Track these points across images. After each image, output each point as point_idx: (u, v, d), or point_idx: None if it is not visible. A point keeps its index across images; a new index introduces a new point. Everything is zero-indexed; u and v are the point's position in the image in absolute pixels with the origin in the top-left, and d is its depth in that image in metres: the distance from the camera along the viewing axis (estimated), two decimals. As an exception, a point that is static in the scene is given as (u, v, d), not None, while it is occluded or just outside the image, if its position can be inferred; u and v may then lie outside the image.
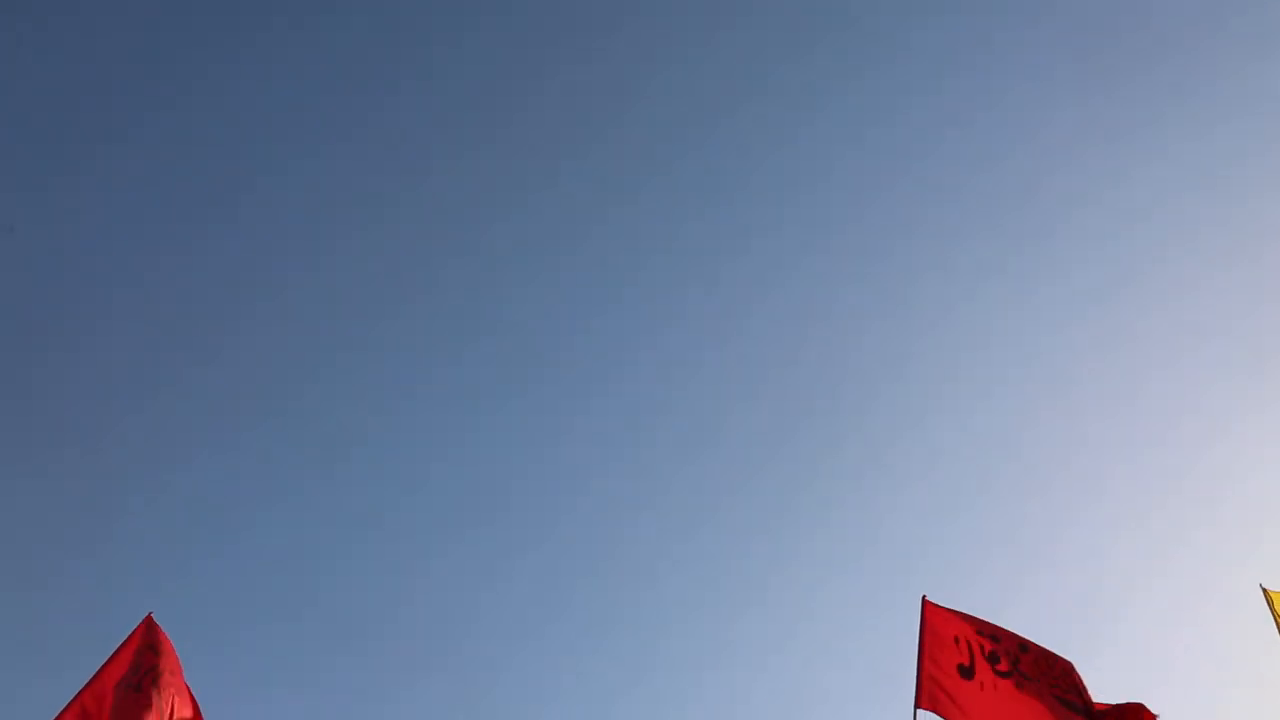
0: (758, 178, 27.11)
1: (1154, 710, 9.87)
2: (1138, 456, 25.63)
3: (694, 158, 27.28)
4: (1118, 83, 25.57)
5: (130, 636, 10.69)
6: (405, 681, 22.47)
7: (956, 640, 10.49)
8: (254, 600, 23.02)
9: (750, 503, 26.18)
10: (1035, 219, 26.31)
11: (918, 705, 10.08)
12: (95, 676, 10.28)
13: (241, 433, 24.11)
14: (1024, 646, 10.38)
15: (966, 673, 10.32)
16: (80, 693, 10.10)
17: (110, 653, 10.52)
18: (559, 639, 24.58)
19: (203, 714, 10.55)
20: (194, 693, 10.65)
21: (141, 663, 10.44)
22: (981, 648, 10.40)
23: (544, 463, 26.13)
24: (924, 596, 10.68)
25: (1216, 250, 25.20)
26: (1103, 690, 10.16)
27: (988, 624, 10.55)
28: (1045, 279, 26.15)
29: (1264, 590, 11.29)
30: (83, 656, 10.61)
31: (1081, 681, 10.18)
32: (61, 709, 9.92)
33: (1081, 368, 25.93)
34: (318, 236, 26.07)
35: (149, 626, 10.78)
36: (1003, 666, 10.29)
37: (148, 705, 10.18)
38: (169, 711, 10.18)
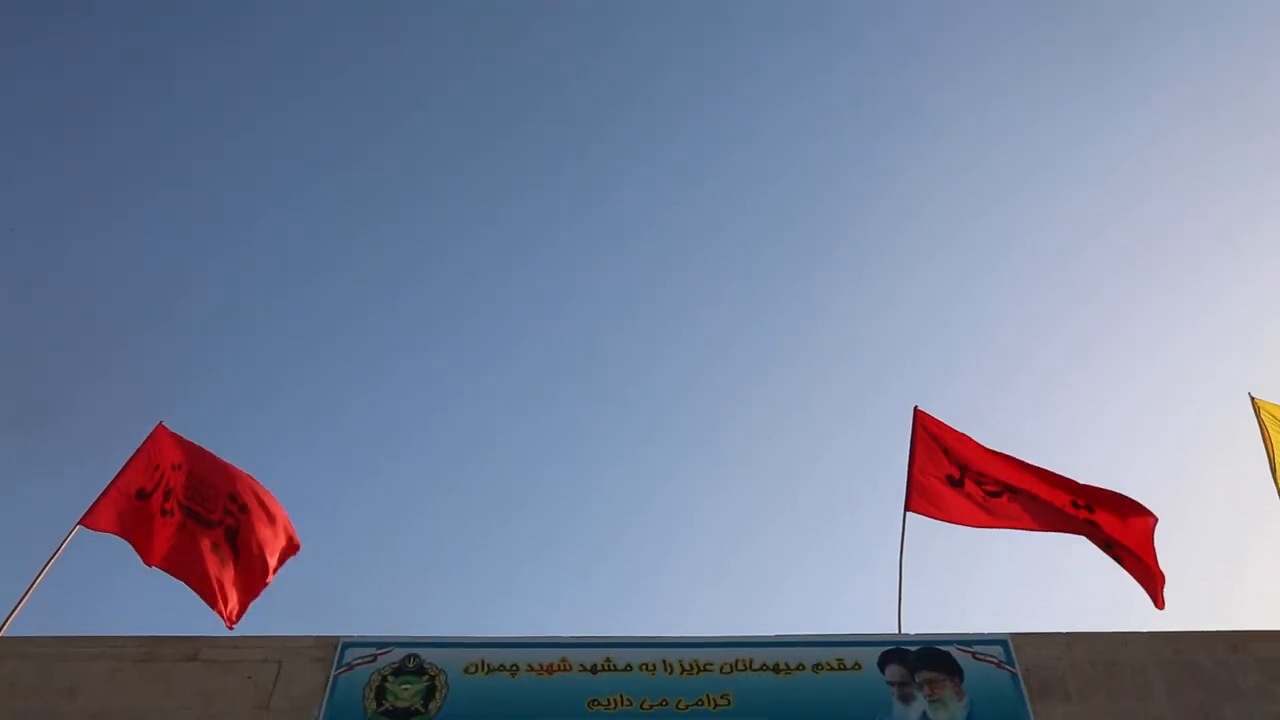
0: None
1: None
2: (1133, 262, 25.64)
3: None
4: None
5: (143, 446, 10.91)
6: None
7: (947, 452, 10.69)
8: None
9: (748, 293, 26.48)
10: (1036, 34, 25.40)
11: (907, 508, 10.35)
12: (113, 482, 10.54)
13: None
14: (1015, 471, 10.53)
15: (955, 483, 10.56)
16: (107, 492, 10.37)
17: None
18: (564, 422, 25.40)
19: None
20: None
21: (169, 481, 10.62)
22: (969, 469, 10.59)
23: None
24: (916, 406, 10.87)
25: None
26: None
27: (979, 448, 10.68)
28: (1051, 91, 25.49)
29: (1252, 399, 11.29)
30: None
31: (1081, 489, 10.38)
32: (86, 511, 10.25)
33: (1080, 172, 25.58)
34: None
35: (163, 436, 10.98)
36: (991, 487, 10.50)
37: (189, 533, 10.47)
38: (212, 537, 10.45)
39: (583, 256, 27.40)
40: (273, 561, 10.54)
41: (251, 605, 10.36)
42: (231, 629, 10.06)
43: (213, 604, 10.16)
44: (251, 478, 10.82)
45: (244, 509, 10.53)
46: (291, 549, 10.77)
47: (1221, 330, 24.54)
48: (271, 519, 10.66)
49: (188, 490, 10.58)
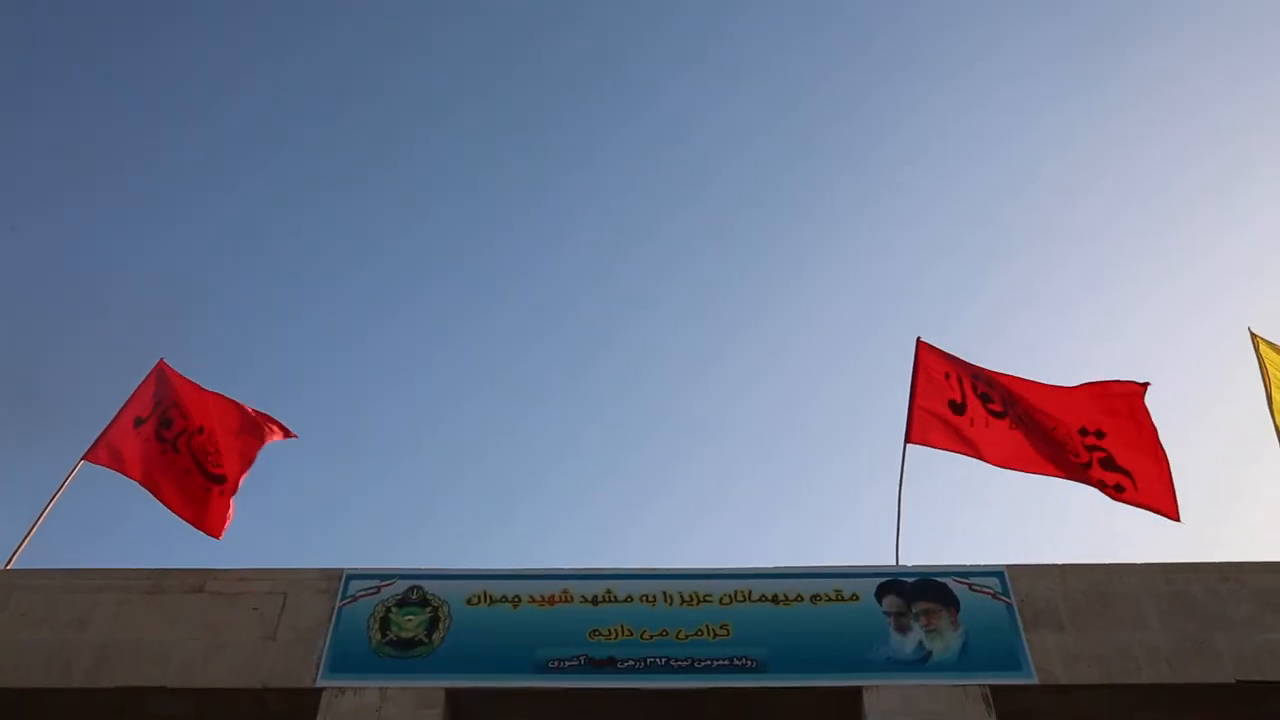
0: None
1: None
2: (1136, 203, 25.48)
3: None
4: None
5: (145, 381, 10.99)
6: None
7: (948, 377, 10.66)
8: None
9: (751, 227, 26.43)
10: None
11: (908, 440, 10.36)
12: (115, 419, 10.63)
13: None
14: (1013, 401, 10.53)
15: (958, 409, 10.52)
16: (105, 432, 10.48)
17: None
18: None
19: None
20: None
21: (168, 416, 10.75)
22: (975, 388, 10.59)
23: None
24: (918, 337, 10.84)
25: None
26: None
27: (983, 369, 10.72)
28: (1055, 20, 25.07)
29: (1252, 334, 11.24)
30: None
31: (1082, 414, 10.38)
32: (88, 448, 10.35)
33: (1082, 118, 25.30)
34: None
35: (164, 373, 11.06)
36: (996, 407, 10.47)
37: (185, 464, 10.59)
38: (205, 466, 10.57)
39: (590, 190, 27.16)
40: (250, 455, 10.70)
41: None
42: (220, 538, 10.25)
43: (197, 523, 10.35)
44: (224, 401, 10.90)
45: (201, 430, 10.66)
46: (277, 435, 10.88)
47: (1224, 267, 24.43)
48: (244, 429, 10.79)
49: (180, 425, 10.73)
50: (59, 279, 22.83)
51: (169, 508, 10.42)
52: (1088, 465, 10.17)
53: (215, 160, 25.25)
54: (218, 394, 10.94)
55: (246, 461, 10.64)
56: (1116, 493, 10.02)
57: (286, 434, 10.99)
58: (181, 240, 24.88)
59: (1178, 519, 9.83)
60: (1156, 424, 10.10)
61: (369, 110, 25.89)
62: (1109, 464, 10.13)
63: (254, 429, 10.76)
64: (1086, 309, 24.93)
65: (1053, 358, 24.42)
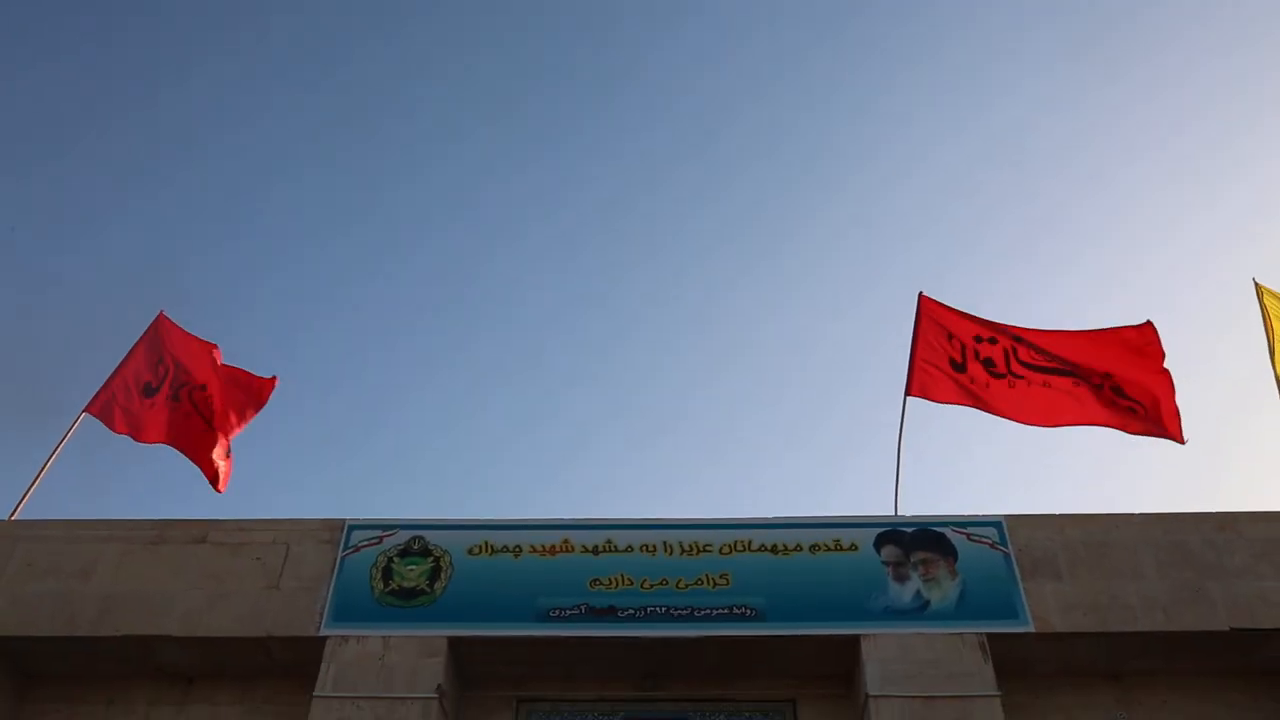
0: None
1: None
2: (1140, 156, 25.24)
3: None
4: None
5: (146, 334, 10.98)
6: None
7: (950, 337, 10.65)
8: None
9: (760, 175, 26.27)
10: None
11: (908, 392, 10.38)
12: (117, 370, 10.64)
13: None
14: (1019, 338, 10.53)
15: (958, 367, 10.55)
16: (109, 383, 10.49)
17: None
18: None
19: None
20: None
21: (176, 377, 10.75)
22: (976, 353, 10.55)
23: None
24: (920, 292, 10.80)
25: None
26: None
27: (985, 323, 10.67)
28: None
29: (1256, 284, 11.20)
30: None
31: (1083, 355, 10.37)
32: (90, 399, 10.37)
33: (1090, 68, 24.99)
34: None
35: (164, 327, 11.04)
36: (997, 369, 10.48)
37: (186, 413, 10.61)
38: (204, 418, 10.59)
39: (595, 145, 26.89)
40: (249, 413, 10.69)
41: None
42: (222, 491, 10.29)
43: (206, 470, 10.39)
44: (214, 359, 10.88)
45: (203, 387, 10.65)
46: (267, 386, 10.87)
47: (1229, 217, 24.23)
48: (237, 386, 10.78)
49: (183, 380, 10.74)
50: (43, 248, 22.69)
51: (198, 465, 10.45)
52: (1099, 388, 10.20)
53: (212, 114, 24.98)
54: (209, 345, 10.88)
55: (244, 421, 10.64)
56: (1129, 416, 10.05)
57: (267, 384, 10.85)
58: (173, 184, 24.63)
59: (1183, 441, 9.90)
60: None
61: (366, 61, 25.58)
62: (1119, 393, 10.20)
63: (252, 392, 10.72)
64: (1089, 260, 24.81)
65: (1056, 309, 24.36)
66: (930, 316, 10.68)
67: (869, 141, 26.64)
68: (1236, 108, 24.43)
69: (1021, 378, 10.40)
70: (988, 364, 10.48)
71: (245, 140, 24.92)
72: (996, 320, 10.67)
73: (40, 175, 23.09)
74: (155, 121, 24.14)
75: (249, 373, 10.80)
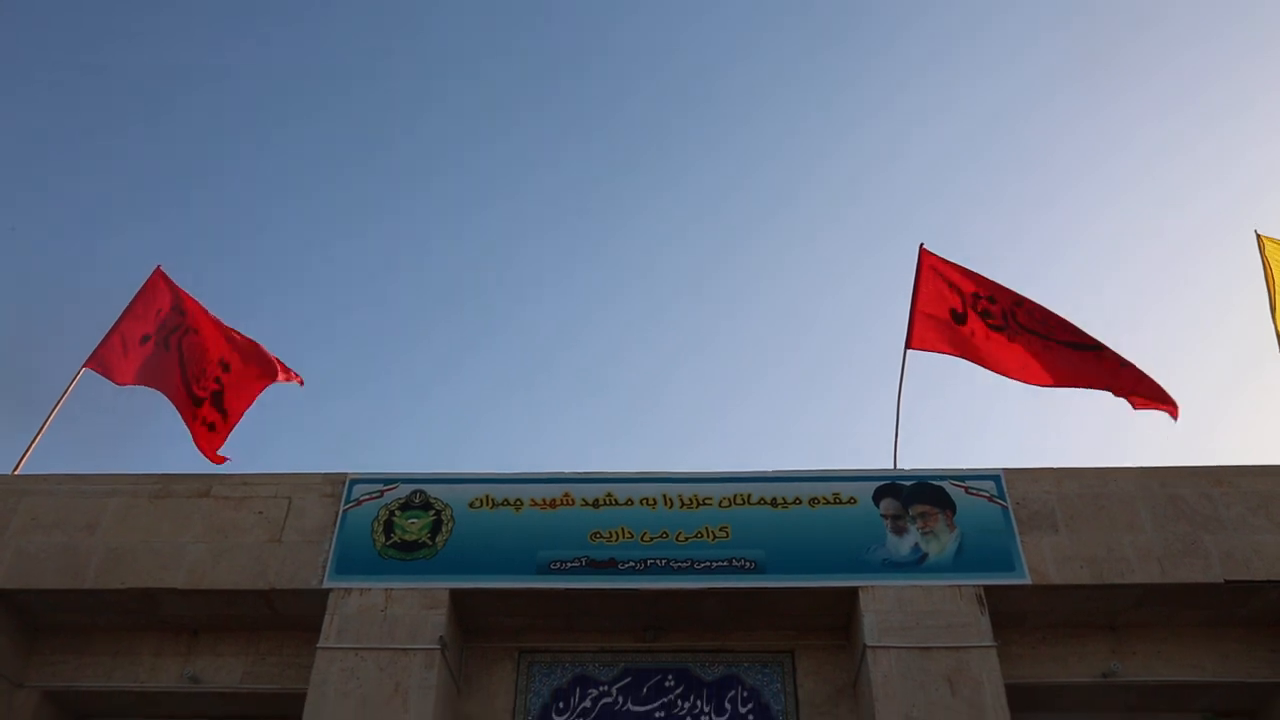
0: None
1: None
2: (1145, 123, 25.01)
3: None
4: None
5: (144, 288, 10.95)
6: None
7: (951, 286, 10.63)
8: None
9: (760, 130, 26.07)
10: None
11: (909, 345, 10.38)
12: (117, 324, 10.63)
13: None
14: (1019, 301, 10.48)
15: (959, 318, 10.52)
16: (107, 338, 10.48)
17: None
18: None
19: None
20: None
21: (167, 321, 10.73)
22: (975, 303, 10.54)
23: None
24: (921, 244, 10.75)
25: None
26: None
27: (985, 280, 10.63)
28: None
29: (1258, 236, 11.14)
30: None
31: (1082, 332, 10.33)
32: (91, 354, 10.36)
33: (1104, 36, 24.65)
34: None
35: (161, 280, 11.01)
36: (996, 321, 10.45)
37: (178, 362, 10.59)
38: (201, 369, 10.56)
39: (593, 100, 26.65)
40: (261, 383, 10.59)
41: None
42: (220, 464, 10.24)
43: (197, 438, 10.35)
44: (228, 333, 10.78)
45: (226, 368, 10.59)
46: (279, 376, 10.77)
47: (1236, 185, 24.03)
48: (257, 362, 10.69)
49: (175, 323, 10.71)
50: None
51: (180, 413, 10.43)
52: (1097, 348, 10.14)
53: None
54: (216, 320, 10.83)
55: (251, 395, 10.54)
56: (1129, 379, 9.99)
57: (291, 377, 10.76)
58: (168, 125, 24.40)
59: (1177, 417, 9.89)
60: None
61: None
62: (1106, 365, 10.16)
63: (264, 364, 10.61)
64: (1100, 224, 24.64)
65: (1063, 277, 24.23)
66: (931, 269, 10.64)
67: (877, 98, 26.39)
68: (1234, 86, 24.18)
69: (1020, 336, 10.38)
70: (986, 316, 10.45)
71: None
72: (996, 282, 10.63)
73: (54, 184, 23.03)
74: (172, 125, 24.00)
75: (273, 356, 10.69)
